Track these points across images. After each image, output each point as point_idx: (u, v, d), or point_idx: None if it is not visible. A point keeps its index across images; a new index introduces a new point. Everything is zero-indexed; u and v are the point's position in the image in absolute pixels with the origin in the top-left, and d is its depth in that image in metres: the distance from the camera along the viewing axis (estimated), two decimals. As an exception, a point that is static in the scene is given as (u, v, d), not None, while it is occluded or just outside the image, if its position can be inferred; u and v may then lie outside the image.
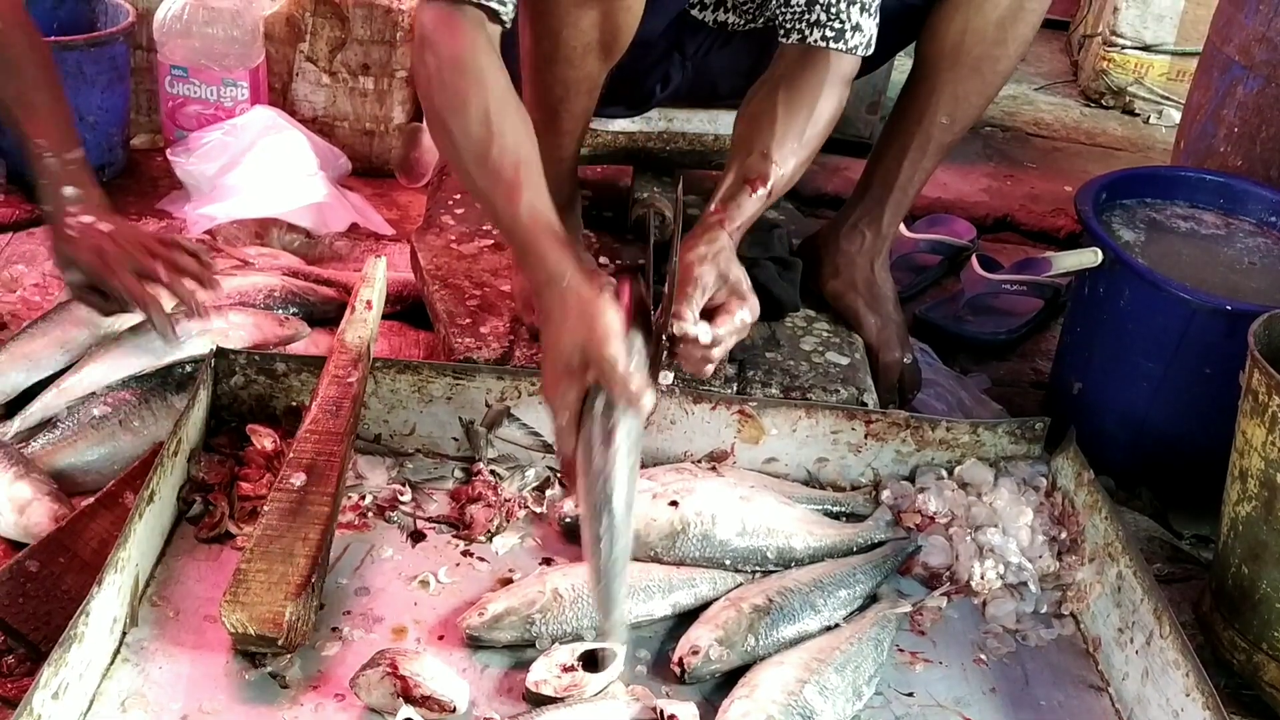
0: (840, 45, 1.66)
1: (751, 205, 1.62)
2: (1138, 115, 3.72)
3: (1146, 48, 3.67)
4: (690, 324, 1.47)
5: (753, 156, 1.64)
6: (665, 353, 1.60)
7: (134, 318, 1.76)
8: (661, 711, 1.30)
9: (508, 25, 1.49)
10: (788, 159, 1.64)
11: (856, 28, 1.65)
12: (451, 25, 1.45)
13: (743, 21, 1.83)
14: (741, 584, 1.52)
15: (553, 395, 1.39)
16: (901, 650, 1.49)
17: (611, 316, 1.35)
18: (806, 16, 1.66)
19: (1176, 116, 3.24)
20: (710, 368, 1.52)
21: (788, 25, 1.68)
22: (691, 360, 1.51)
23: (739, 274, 1.55)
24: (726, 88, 1.99)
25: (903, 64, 2.16)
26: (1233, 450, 1.59)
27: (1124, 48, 3.69)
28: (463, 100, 1.43)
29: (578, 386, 1.36)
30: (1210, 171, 2.30)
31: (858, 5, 1.64)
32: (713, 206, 1.63)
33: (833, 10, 1.64)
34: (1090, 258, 1.90)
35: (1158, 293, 1.84)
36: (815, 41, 1.66)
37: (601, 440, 1.34)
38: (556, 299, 1.39)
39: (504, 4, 1.46)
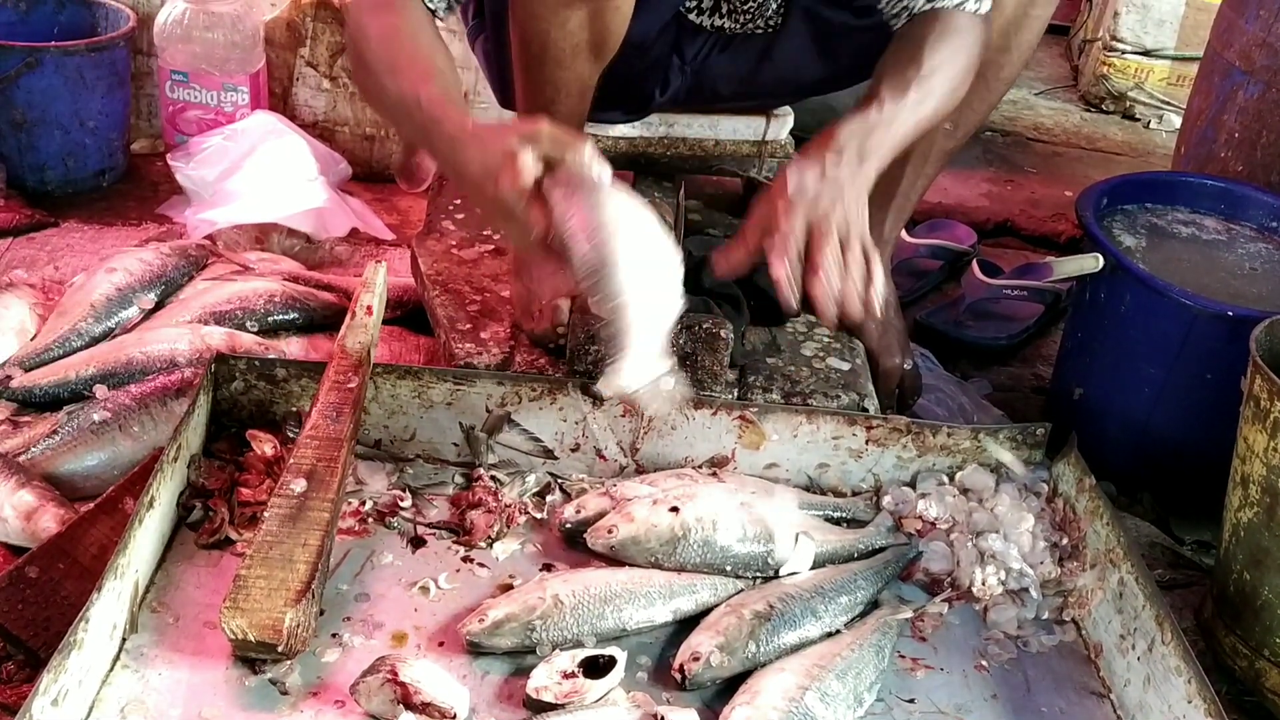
0: (945, 3, 1.60)
1: (864, 115, 1.49)
2: (1138, 120, 3.72)
3: (1147, 53, 3.68)
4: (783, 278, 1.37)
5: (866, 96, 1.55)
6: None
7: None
8: (662, 718, 1.30)
9: (441, 20, 1.52)
10: (905, 89, 1.52)
11: None
12: (386, 5, 1.48)
13: (738, 26, 1.83)
14: (742, 590, 1.51)
15: (490, 210, 1.34)
16: (903, 656, 1.48)
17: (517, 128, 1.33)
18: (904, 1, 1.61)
19: (1177, 121, 3.25)
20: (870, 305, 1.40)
21: (894, 11, 1.63)
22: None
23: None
24: (726, 92, 1.99)
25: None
26: (1234, 456, 1.59)
27: (1124, 53, 3.70)
28: (391, 29, 1.45)
29: (510, 191, 1.28)
30: (1211, 177, 2.30)
31: None
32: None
33: None
34: (1091, 263, 1.90)
35: (1159, 298, 1.83)
36: (920, 8, 1.61)
37: (566, 202, 1.27)
38: (468, 135, 1.34)
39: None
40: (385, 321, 1.87)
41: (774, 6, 1.79)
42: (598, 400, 1.64)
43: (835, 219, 1.37)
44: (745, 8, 1.79)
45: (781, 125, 2.22)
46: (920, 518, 1.66)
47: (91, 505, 1.50)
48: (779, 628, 1.43)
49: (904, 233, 2.48)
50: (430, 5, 1.52)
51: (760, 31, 1.84)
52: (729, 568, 1.51)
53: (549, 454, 1.68)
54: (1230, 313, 1.79)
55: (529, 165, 1.27)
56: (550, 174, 1.29)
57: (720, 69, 1.93)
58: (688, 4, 1.79)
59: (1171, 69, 3.67)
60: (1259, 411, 1.52)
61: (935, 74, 1.54)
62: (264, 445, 1.58)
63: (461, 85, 1.44)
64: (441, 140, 1.38)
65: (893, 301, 1.98)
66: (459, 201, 2.16)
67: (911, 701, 1.42)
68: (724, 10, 1.80)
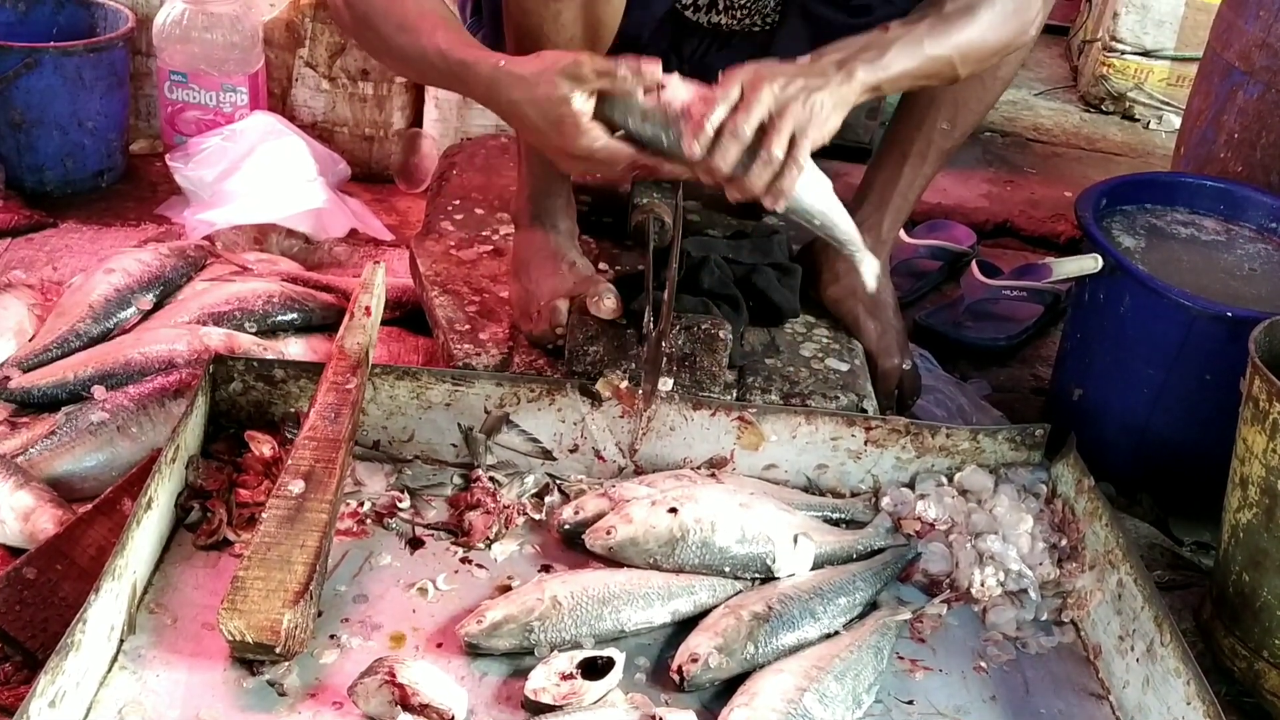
0: None
1: (863, 36, 1.47)
2: (1138, 120, 3.72)
3: (1146, 53, 3.67)
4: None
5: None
6: (663, 359, 1.60)
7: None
8: (660, 719, 1.30)
9: None
10: (922, 23, 1.50)
11: None
12: None
13: (736, 23, 1.82)
14: (741, 591, 1.51)
15: (564, 137, 1.34)
16: (901, 658, 1.48)
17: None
18: None
19: (1176, 122, 3.25)
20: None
21: None
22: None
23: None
24: (725, 91, 1.99)
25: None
26: (1233, 457, 1.59)
27: (1124, 53, 3.69)
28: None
29: (578, 93, 1.32)
30: (1210, 177, 2.30)
31: None
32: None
33: None
34: (1090, 264, 1.89)
35: (1158, 299, 1.83)
36: None
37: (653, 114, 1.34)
38: (505, 73, 1.38)
39: None
40: (384, 322, 1.87)
41: (771, 3, 1.79)
42: (596, 401, 1.65)
43: (766, 96, 1.34)
44: (742, 4, 1.79)
45: (780, 125, 2.22)
46: (919, 519, 1.66)
47: (89, 506, 1.50)
48: (777, 629, 1.43)
49: (903, 233, 2.48)
50: None
51: (758, 29, 1.84)
52: (727, 569, 1.51)
53: (547, 455, 1.68)
54: (1229, 314, 1.79)
55: (588, 119, 1.33)
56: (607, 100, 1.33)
57: (718, 67, 1.91)
58: (684, 1, 1.79)
59: (1171, 69, 3.67)
60: (1258, 412, 1.52)
61: (957, 15, 1.51)
62: (262, 446, 1.58)
63: (459, 20, 1.47)
64: (478, 83, 1.41)
65: (892, 302, 1.97)
66: (458, 202, 2.16)
67: (910, 703, 1.42)
68: (721, 7, 1.80)
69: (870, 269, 1.54)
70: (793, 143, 1.35)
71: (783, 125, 1.34)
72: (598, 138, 1.35)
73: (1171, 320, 1.83)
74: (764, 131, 1.35)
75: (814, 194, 1.44)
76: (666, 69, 1.88)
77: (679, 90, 1.36)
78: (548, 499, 1.63)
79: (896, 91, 1.52)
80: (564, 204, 1.88)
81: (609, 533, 1.51)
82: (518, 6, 1.57)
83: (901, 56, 1.48)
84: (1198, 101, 2.58)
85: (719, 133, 1.34)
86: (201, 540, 1.49)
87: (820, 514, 1.66)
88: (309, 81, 2.58)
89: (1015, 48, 1.66)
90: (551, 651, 1.37)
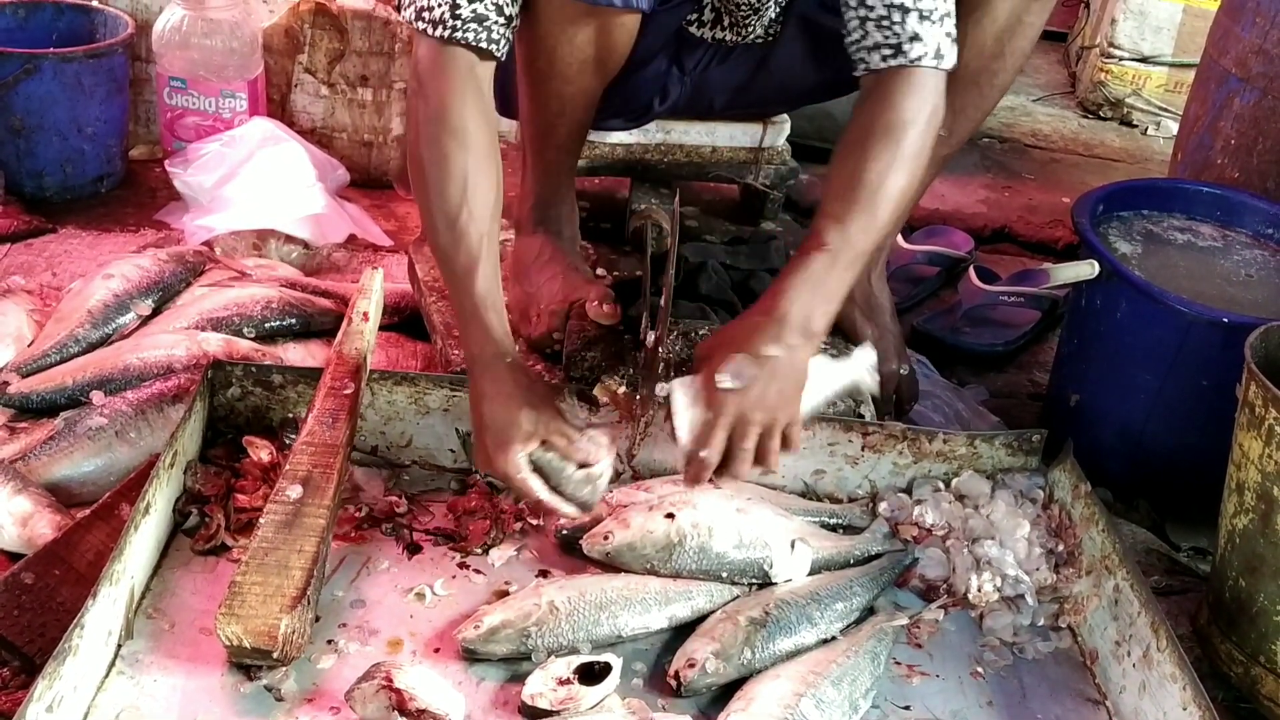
0: (900, 60, 1.49)
1: (813, 268, 1.47)
2: (1135, 127, 3.73)
3: (1144, 59, 3.68)
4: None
5: (817, 217, 1.52)
6: (661, 364, 1.61)
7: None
8: (657, 725, 1.30)
9: (501, 59, 1.49)
10: (851, 215, 1.48)
11: (915, 38, 1.49)
12: (441, 69, 1.45)
13: (739, 37, 1.83)
14: (738, 596, 1.51)
15: (500, 459, 1.44)
16: (898, 663, 1.48)
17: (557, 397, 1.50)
18: (864, 43, 1.52)
19: (1174, 128, 3.25)
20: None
21: (854, 59, 1.55)
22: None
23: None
24: (724, 102, 2.00)
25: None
26: (1229, 463, 1.59)
27: (1122, 59, 3.70)
28: (444, 156, 1.45)
29: (525, 450, 1.44)
30: (1207, 184, 2.30)
31: (915, 13, 1.48)
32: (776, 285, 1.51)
33: (885, 25, 1.50)
34: (1087, 270, 1.90)
35: (1154, 305, 1.83)
36: (876, 65, 1.51)
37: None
38: (501, 372, 1.47)
39: (495, 41, 1.45)
40: (382, 328, 1.87)
41: (772, 15, 1.80)
42: (594, 406, 1.65)
43: (759, 417, 1.42)
44: (745, 20, 1.79)
45: (778, 132, 2.23)
46: (916, 524, 1.67)
47: (88, 511, 1.50)
48: (774, 634, 1.43)
49: (901, 239, 2.49)
50: (489, 47, 1.46)
51: (759, 41, 1.84)
52: (725, 574, 1.52)
53: (545, 460, 1.68)
54: (1226, 319, 1.79)
55: (526, 461, 1.44)
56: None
57: (719, 79, 1.93)
58: (689, 17, 1.80)
59: (1169, 75, 3.67)
60: (1254, 418, 1.52)
61: (882, 185, 1.48)
62: (260, 451, 1.58)
63: (498, 224, 1.51)
64: (474, 343, 1.49)
65: (889, 307, 1.98)
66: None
67: (907, 708, 1.42)
68: (725, 23, 1.80)
69: (866, 368, 1.60)
70: (765, 438, 1.44)
71: (749, 431, 1.43)
72: (522, 470, 1.44)
73: (1168, 326, 1.83)
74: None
75: (811, 404, 1.51)
76: (668, 82, 1.90)
77: (605, 468, 1.48)
78: (545, 504, 1.63)
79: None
80: (568, 211, 1.89)
81: (606, 538, 1.51)
82: (533, 28, 1.57)
83: (854, 267, 1.49)
84: (1195, 108, 2.58)
85: (690, 461, 1.44)
86: (199, 545, 1.49)
87: (817, 519, 1.66)
88: (308, 87, 2.58)
89: (977, 113, 1.83)
90: (549, 657, 1.37)
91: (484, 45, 1.44)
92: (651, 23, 1.63)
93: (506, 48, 1.49)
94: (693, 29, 1.82)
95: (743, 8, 1.76)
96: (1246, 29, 2.36)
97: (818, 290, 1.46)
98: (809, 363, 1.47)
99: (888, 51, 1.50)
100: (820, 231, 1.47)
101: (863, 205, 1.48)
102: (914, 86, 1.50)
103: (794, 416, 1.46)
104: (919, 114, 1.50)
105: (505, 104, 1.87)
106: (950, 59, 1.53)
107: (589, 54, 1.58)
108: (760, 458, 1.44)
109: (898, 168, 1.49)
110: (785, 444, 1.46)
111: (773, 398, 1.42)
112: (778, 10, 1.79)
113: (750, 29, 1.81)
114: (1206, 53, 2.55)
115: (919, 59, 1.50)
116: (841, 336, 1.94)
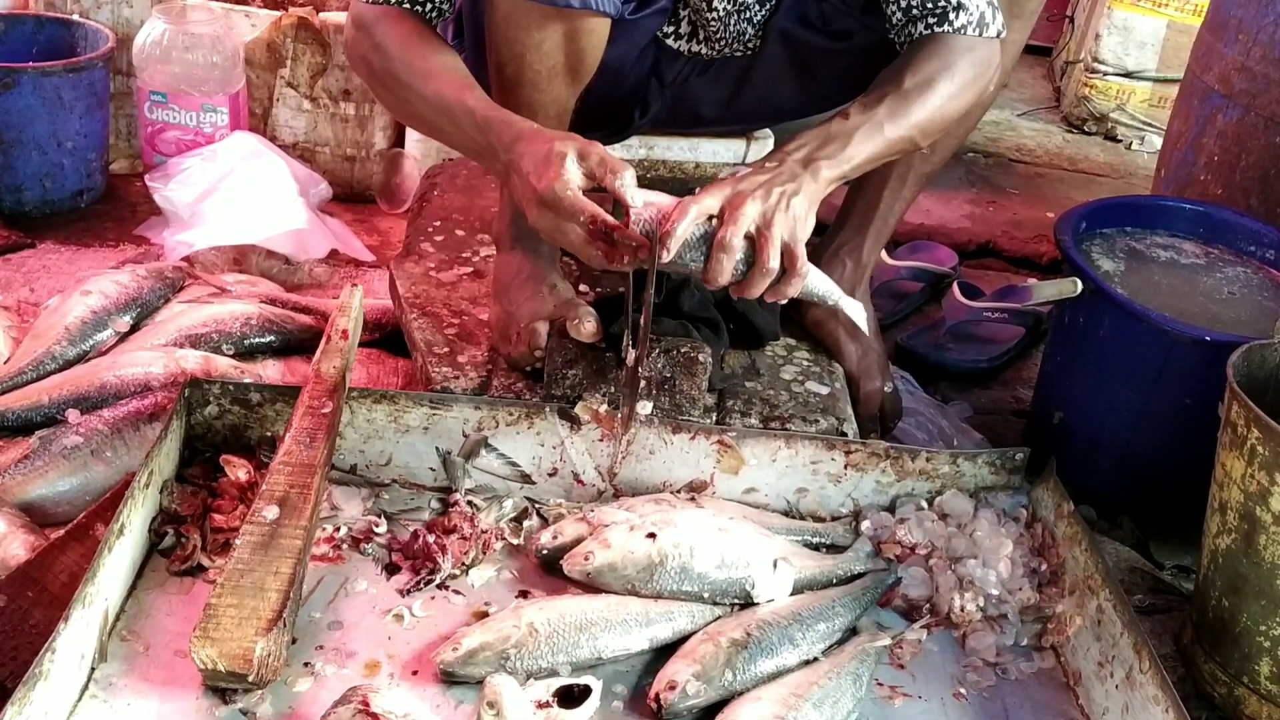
0: (945, 28, 1.56)
1: (825, 127, 1.51)
2: (1120, 141, 3.74)
3: (1128, 74, 3.69)
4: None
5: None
6: (642, 382, 1.60)
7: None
8: (637, 748, 1.29)
9: (447, 16, 1.59)
10: (882, 99, 1.53)
11: (959, 7, 1.55)
12: (388, 15, 1.56)
13: (715, 52, 1.83)
14: (720, 617, 1.50)
15: (547, 179, 1.39)
16: (881, 684, 1.47)
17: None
18: (906, 21, 1.59)
19: (1159, 143, 3.26)
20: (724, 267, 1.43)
21: (898, 43, 1.62)
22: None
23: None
24: (707, 114, 1.99)
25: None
26: (1212, 482, 1.59)
27: (1106, 74, 3.71)
28: (405, 37, 1.54)
29: (575, 166, 1.40)
30: (1190, 201, 2.30)
31: None
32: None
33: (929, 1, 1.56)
34: (1070, 287, 1.89)
35: (1137, 323, 1.83)
36: (920, 33, 1.58)
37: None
38: (535, 129, 1.46)
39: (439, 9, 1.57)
40: (363, 344, 1.86)
41: (751, 31, 1.79)
42: (575, 424, 1.64)
43: (750, 210, 1.40)
44: (720, 36, 1.79)
45: (762, 148, 2.23)
46: (899, 543, 1.66)
47: (62, 532, 1.49)
48: (756, 656, 1.42)
49: (885, 254, 2.48)
50: (442, 6, 1.58)
51: (739, 55, 1.84)
52: (706, 594, 1.50)
53: (526, 479, 1.67)
54: (1208, 338, 1.79)
55: (573, 163, 1.40)
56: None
57: (700, 92, 1.93)
58: (665, 29, 1.79)
59: (1153, 90, 3.69)
60: (1236, 438, 1.52)
61: (914, 92, 1.54)
62: (238, 470, 1.57)
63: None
64: (505, 132, 1.46)
65: (873, 324, 1.97)
66: (439, 223, 2.16)
67: (889, 730, 1.41)
68: (700, 36, 1.80)
69: (856, 313, 1.57)
70: (790, 252, 1.42)
71: (772, 235, 1.40)
72: (572, 182, 1.40)
73: (1151, 344, 1.83)
74: (752, 241, 1.41)
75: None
76: (648, 94, 1.90)
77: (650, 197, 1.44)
78: (526, 523, 1.62)
79: (860, 173, 1.58)
80: None
81: (587, 558, 1.50)
82: (500, 35, 1.57)
83: (863, 146, 1.51)
84: (1178, 124, 2.59)
85: (714, 248, 1.41)
86: (175, 566, 1.48)
87: (800, 538, 1.65)
88: (290, 102, 2.58)
89: (977, 108, 1.74)
90: (528, 679, 1.35)
91: (426, 12, 1.57)
92: (625, 32, 1.63)
93: (450, 11, 1.59)
94: (669, 41, 1.81)
95: (713, 22, 1.76)
96: (1230, 45, 2.37)
97: (821, 138, 1.49)
98: (810, 198, 1.45)
99: (932, 20, 1.56)
100: (845, 109, 1.52)
101: (896, 94, 1.53)
102: (963, 45, 1.57)
103: (805, 237, 1.44)
104: (969, 65, 1.56)
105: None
106: (995, 27, 1.58)
107: (558, 61, 1.58)
108: (782, 280, 1.43)
109: (945, 78, 1.55)
110: (790, 259, 1.42)
111: (791, 214, 1.42)
112: (754, 26, 1.79)
113: (724, 43, 1.81)
114: (1190, 69, 2.55)
115: (963, 27, 1.56)
116: (825, 354, 1.94)
